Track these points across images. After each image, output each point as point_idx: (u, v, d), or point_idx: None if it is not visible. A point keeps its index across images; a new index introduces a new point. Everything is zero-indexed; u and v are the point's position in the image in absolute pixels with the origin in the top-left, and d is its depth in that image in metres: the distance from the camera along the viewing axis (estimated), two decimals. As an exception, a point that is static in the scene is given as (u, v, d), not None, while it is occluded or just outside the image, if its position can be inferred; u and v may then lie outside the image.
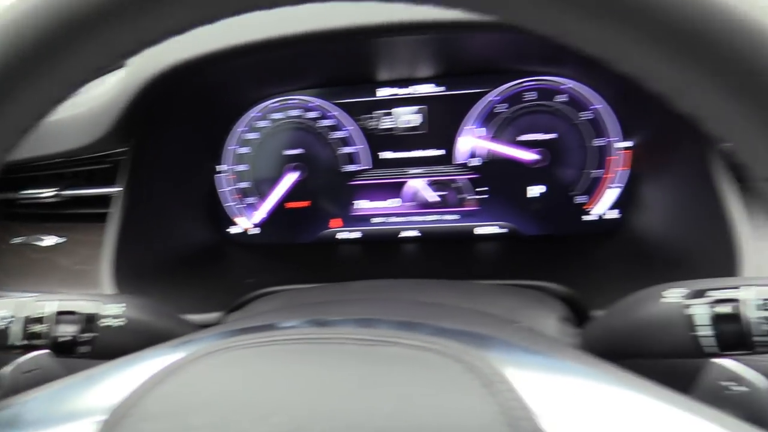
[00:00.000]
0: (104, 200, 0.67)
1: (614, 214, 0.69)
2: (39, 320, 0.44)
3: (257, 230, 0.76)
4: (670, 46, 0.21)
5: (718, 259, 0.52)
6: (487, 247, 0.72)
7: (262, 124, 0.75)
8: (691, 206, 0.61)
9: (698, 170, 0.56)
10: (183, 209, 0.74)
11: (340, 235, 0.75)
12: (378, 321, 0.35)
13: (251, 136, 0.75)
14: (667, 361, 0.41)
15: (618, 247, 0.69)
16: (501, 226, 0.72)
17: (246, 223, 0.77)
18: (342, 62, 0.70)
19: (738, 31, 0.20)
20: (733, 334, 0.37)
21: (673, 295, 0.39)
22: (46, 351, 0.42)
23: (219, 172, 0.76)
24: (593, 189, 0.70)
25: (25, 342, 0.44)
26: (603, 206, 0.70)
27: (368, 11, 0.54)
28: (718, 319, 0.37)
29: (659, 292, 0.40)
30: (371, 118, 0.72)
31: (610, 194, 0.69)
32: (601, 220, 0.70)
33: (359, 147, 0.72)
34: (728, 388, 0.34)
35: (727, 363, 0.35)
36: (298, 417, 0.24)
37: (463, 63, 0.69)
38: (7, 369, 0.38)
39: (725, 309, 0.37)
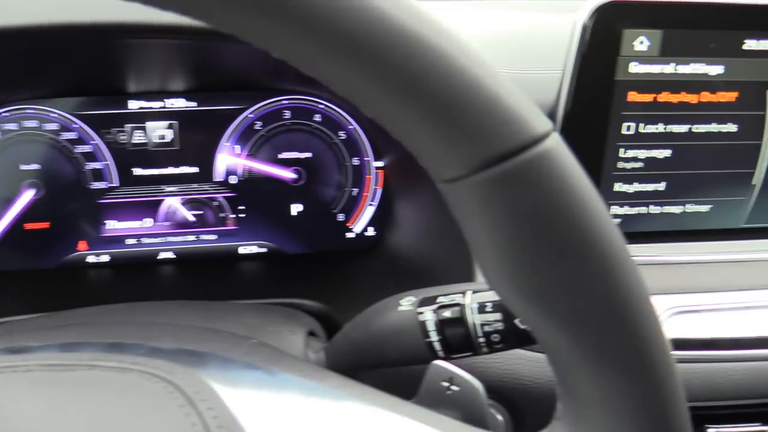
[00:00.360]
0: None
1: (372, 231, 0.72)
2: None
3: (-11, 256, 0.70)
4: (335, 53, 0.22)
5: (459, 269, 0.56)
6: (249, 267, 0.72)
7: (-10, 135, 0.68)
8: (436, 222, 0.66)
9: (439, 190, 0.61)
10: None
11: (89, 259, 0.71)
12: (83, 344, 0.35)
13: None
14: (411, 369, 0.44)
15: (375, 262, 0.73)
16: (261, 245, 0.72)
17: (-26, 247, 0.70)
18: (87, 69, 0.67)
19: (390, 40, 0.22)
20: (458, 338, 0.41)
21: (407, 302, 0.43)
22: None
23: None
24: (353, 207, 0.73)
25: None
26: (362, 224, 0.73)
27: (115, 9, 0.51)
28: (443, 324, 0.41)
29: (396, 301, 0.43)
30: (121, 132, 0.69)
31: (369, 212, 0.72)
32: (360, 237, 0.74)
33: (106, 162, 0.69)
34: (448, 389, 0.38)
35: (443, 364, 0.38)
36: None
37: (217, 78, 0.68)
38: None
39: (448, 314, 0.41)
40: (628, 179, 0.59)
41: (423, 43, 0.22)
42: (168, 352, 0.34)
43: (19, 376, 0.30)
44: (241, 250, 0.77)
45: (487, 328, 0.40)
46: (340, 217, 0.77)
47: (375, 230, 0.77)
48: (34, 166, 0.73)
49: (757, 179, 0.61)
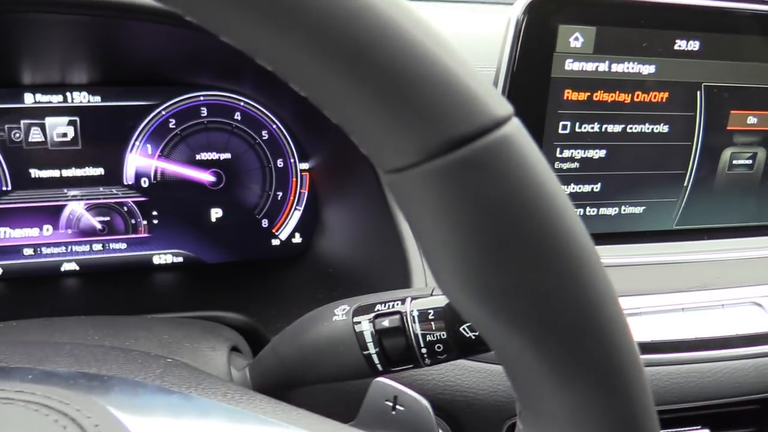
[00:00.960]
0: None
1: (298, 237, 0.71)
2: None
3: None
4: (277, 31, 0.19)
5: (394, 276, 0.56)
6: (163, 279, 0.69)
7: None
8: (368, 228, 0.66)
9: (372, 192, 0.60)
10: None
11: (-24, 272, 0.66)
12: None
13: None
14: (348, 385, 0.42)
15: (303, 271, 0.71)
16: (177, 254, 0.69)
17: None
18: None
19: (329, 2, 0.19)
20: (398, 349, 0.39)
21: (342, 311, 0.41)
22: None
23: None
24: (278, 212, 0.71)
25: None
26: (288, 230, 0.71)
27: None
28: (381, 335, 0.39)
29: (330, 311, 0.41)
30: (16, 129, 0.64)
31: (295, 217, 0.71)
32: (286, 245, 0.72)
33: (-2, 164, 0.64)
34: (393, 408, 0.37)
35: (387, 381, 0.38)
36: None
37: (126, 70, 0.66)
38: None
39: (387, 323, 0.39)
40: (565, 180, 0.61)
41: (368, 7, 0.19)
42: (64, 377, 0.32)
43: None
44: (155, 260, 0.73)
45: (429, 338, 0.39)
46: (264, 222, 0.75)
47: (302, 237, 0.75)
48: None
49: (688, 180, 0.64)
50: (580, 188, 0.62)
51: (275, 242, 0.75)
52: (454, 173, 0.21)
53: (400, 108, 0.20)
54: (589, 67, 0.56)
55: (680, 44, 0.57)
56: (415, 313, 0.39)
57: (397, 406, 0.36)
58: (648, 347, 0.60)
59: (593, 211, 0.64)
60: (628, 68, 0.57)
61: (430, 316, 0.39)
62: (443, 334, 0.38)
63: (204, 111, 0.72)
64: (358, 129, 0.22)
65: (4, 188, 0.69)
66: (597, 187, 0.62)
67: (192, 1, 0.20)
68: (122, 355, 0.39)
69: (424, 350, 0.39)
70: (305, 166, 0.74)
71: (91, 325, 0.50)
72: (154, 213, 0.72)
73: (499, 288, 0.22)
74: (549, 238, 0.22)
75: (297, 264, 0.75)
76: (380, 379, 0.37)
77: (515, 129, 0.21)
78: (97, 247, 0.72)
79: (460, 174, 0.21)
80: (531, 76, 0.55)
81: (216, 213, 0.73)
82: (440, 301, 0.39)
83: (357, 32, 0.19)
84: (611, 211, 0.65)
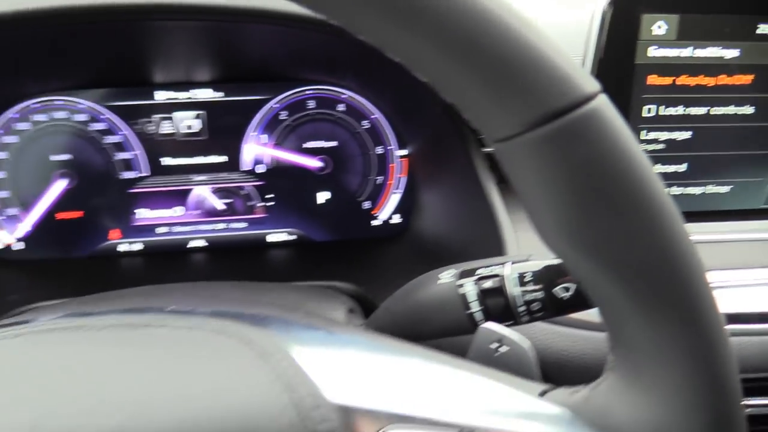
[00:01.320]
0: None
1: (398, 218, 0.80)
2: None
3: (22, 245, 0.78)
4: (396, 17, 0.24)
5: (488, 248, 0.63)
6: (278, 254, 0.80)
7: (21, 126, 0.77)
8: (463, 206, 0.74)
9: (465, 174, 0.68)
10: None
11: (120, 248, 0.79)
12: (149, 309, 0.39)
13: (9, 140, 0.76)
14: (448, 340, 0.48)
15: (403, 248, 0.80)
16: (290, 233, 0.80)
17: (8, 237, 0.77)
18: (112, 59, 0.74)
19: (448, 4, 0.24)
20: (499, 308, 0.43)
21: (447, 276, 0.46)
22: None
23: (-26, 182, 0.76)
24: (378, 195, 0.80)
25: None
26: (387, 211, 0.80)
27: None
28: (484, 295, 0.44)
29: (435, 275, 0.46)
30: (149, 122, 0.76)
31: (394, 199, 0.80)
32: (386, 225, 0.81)
33: (136, 152, 0.76)
34: (496, 350, 0.40)
35: (493, 326, 0.41)
36: (50, 404, 0.27)
37: (242, 68, 0.76)
38: None
39: (489, 284, 0.44)
40: (651, 161, 0.67)
41: (478, 8, 0.24)
42: (232, 315, 0.39)
43: (92, 334, 0.33)
44: (270, 238, 0.84)
45: (527, 298, 0.43)
46: (366, 205, 0.84)
47: (401, 217, 0.84)
48: (65, 157, 0.81)
49: (776, 160, 0.68)
50: (665, 168, 0.67)
51: (376, 222, 0.84)
52: (552, 141, 0.26)
53: (506, 87, 0.25)
54: (673, 53, 0.62)
55: (763, 28, 0.62)
56: (515, 276, 0.43)
57: (501, 348, 0.41)
58: (735, 318, 0.65)
59: (678, 191, 0.69)
60: (711, 53, 0.62)
61: (528, 278, 0.43)
62: (540, 294, 0.42)
63: (311, 103, 0.82)
64: (471, 106, 0.27)
65: (142, 174, 0.81)
66: (683, 168, 0.68)
67: (337, 7, 0.25)
68: (269, 304, 0.48)
69: (522, 309, 0.43)
70: (403, 152, 0.83)
71: (227, 288, 0.60)
72: (269, 196, 0.83)
73: (592, 238, 0.27)
74: (633, 194, 0.27)
75: (397, 242, 0.84)
76: (486, 324, 0.42)
77: (603, 103, 0.27)
78: (220, 226, 0.84)
79: (557, 141, 0.26)
80: (616, 63, 0.61)
81: (323, 196, 0.83)
82: (537, 265, 0.44)
83: (469, 27, 0.24)
84: (697, 190, 0.70)
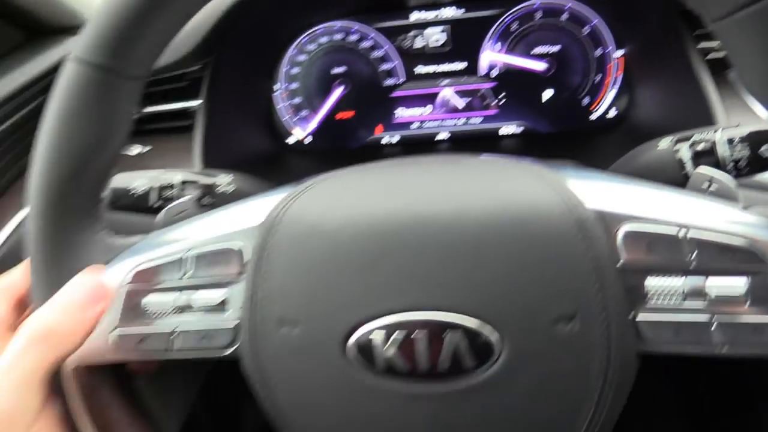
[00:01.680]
0: (181, 114, 0.94)
1: (614, 112, 0.96)
2: (170, 187, 0.59)
3: (310, 138, 1.06)
4: None
5: None
6: (508, 144, 1.01)
7: (310, 47, 1.03)
8: (677, 99, 0.88)
9: (682, 69, 0.83)
10: (248, 122, 1.04)
11: (383, 140, 1.04)
12: (462, 157, 0.49)
13: (301, 58, 1.04)
14: None
15: (618, 139, 0.96)
16: (518, 126, 1.00)
17: (301, 133, 1.06)
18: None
19: None
20: (708, 165, 0.49)
21: (665, 143, 0.53)
22: (191, 197, 0.56)
23: (275, 90, 1.04)
24: (596, 92, 0.97)
25: (160, 203, 0.58)
26: (605, 106, 0.97)
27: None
28: (697, 156, 0.51)
29: (655, 143, 0.54)
30: (405, 39, 1.00)
31: (611, 96, 0.96)
32: (603, 118, 0.98)
33: (395, 63, 1.00)
34: (708, 189, 0.46)
35: (705, 169, 0.47)
36: (417, 199, 0.41)
37: (481, -13, 0.95)
38: (162, 213, 0.52)
39: (702, 147, 0.51)
40: None
41: None
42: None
43: (416, 166, 0.45)
44: (502, 131, 1.05)
45: (735, 156, 0.49)
46: (585, 101, 1.01)
47: (616, 111, 1.00)
48: (342, 69, 1.07)
49: None
50: None
51: (594, 116, 1.01)
52: (758, 18, 0.34)
53: None
54: None
55: None
56: (725, 139, 0.50)
57: (711, 187, 0.46)
58: None
59: None
60: None
61: (736, 141, 0.50)
62: (747, 152, 0.49)
63: (538, 14, 0.99)
64: None
65: (400, 81, 1.06)
66: None
67: None
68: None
69: (730, 166, 0.50)
70: (620, 53, 0.98)
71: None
72: (502, 95, 1.03)
73: None
74: None
75: (612, 133, 0.99)
76: (699, 168, 0.47)
77: None
78: (461, 121, 1.06)
79: (762, 19, 0.34)
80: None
81: (547, 94, 1.01)
82: (745, 130, 0.50)
83: None
84: None
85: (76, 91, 0.45)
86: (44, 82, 0.96)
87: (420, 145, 1.05)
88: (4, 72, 0.92)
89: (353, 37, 1.03)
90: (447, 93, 1.03)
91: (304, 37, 1.05)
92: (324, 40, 1.04)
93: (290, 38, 1.05)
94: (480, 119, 1.03)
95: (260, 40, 1.01)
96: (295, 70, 1.06)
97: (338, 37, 1.04)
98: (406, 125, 1.05)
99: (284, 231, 0.43)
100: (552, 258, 0.40)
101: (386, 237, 0.41)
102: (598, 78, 0.98)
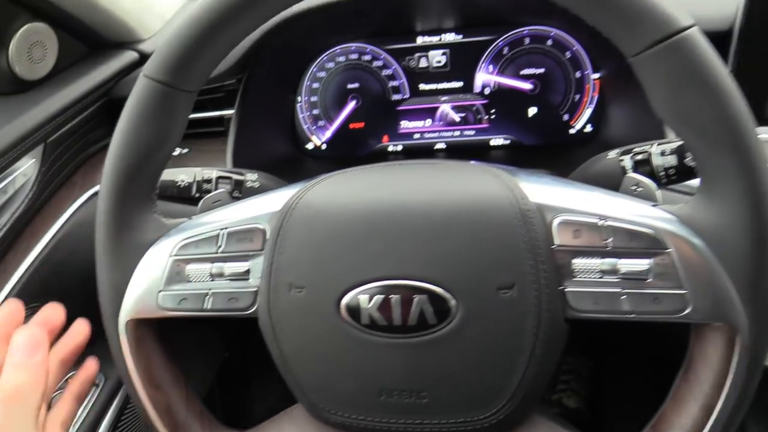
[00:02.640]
0: (217, 121, 1.06)
1: (590, 127, 1.07)
2: (208, 181, 0.69)
3: (326, 146, 1.17)
4: None
5: None
6: (497, 154, 1.11)
7: (329, 65, 1.14)
8: (641, 116, 0.98)
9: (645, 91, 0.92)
10: (273, 130, 1.16)
11: (389, 148, 1.15)
12: (441, 161, 0.58)
13: (321, 74, 1.15)
14: None
15: (593, 150, 1.05)
16: (506, 138, 1.10)
17: (318, 140, 1.17)
18: (388, 18, 1.08)
19: None
20: (646, 174, 0.58)
21: (612, 154, 0.63)
22: (224, 190, 0.66)
23: (297, 102, 1.16)
24: (575, 109, 1.07)
25: (199, 194, 0.67)
26: (582, 122, 1.07)
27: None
28: (637, 165, 0.60)
29: (605, 154, 0.64)
30: (411, 59, 1.11)
31: (587, 113, 1.06)
32: (581, 133, 1.08)
33: (402, 81, 1.11)
34: (635, 190, 0.54)
35: (633, 175, 0.55)
36: (399, 192, 0.50)
37: (477, 17, 1.07)
38: (201, 201, 0.63)
39: (640, 157, 0.60)
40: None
41: None
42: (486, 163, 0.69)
43: (397, 168, 0.53)
44: (492, 142, 1.15)
45: (666, 165, 0.58)
46: (565, 117, 1.11)
47: (592, 126, 1.10)
48: (355, 85, 1.18)
49: None
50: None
51: (572, 131, 1.11)
52: (665, 56, 0.41)
53: (635, 23, 0.41)
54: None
55: None
56: (658, 151, 0.58)
57: (638, 188, 0.55)
58: None
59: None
60: None
61: (667, 152, 0.58)
62: (674, 162, 0.57)
63: (527, 40, 1.09)
64: (607, 29, 0.43)
65: (405, 96, 1.17)
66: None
67: None
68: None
69: (662, 174, 0.58)
70: (596, 76, 1.08)
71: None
72: (493, 111, 1.13)
73: (690, 113, 0.42)
74: (719, 87, 0.41)
75: (587, 146, 1.10)
76: (630, 173, 0.58)
77: (698, 32, 0.41)
78: (456, 133, 1.16)
79: (669, 56, 0.41)
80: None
81: (532, 110, 1.12)
82: (675, 143, 0.58)
83: None
84: None
85: (144, 101, 0.56)
86: (104, 89, 1.08)
87: (421, 154, 1.16)
88: (71, 79, 1.04)
89: (366, 57, 1.14)
90: (446, 108, 1.13)
91: (324, 57, 1.16)
92: (341, 59, 1.15)
93: (312, 57, 1.16)
94: (473, 132, 1.13)
95: (286, 59, 1.12)
96: (316, 85, 1.17)
97: (353, 56, 1.15)
98: (409, 135, 1.16)
99: (296, 215, 0.52)
100: (499, 239, 0.49)
101: (373, 221, 0.50)
102: (577, 97, 1.08)
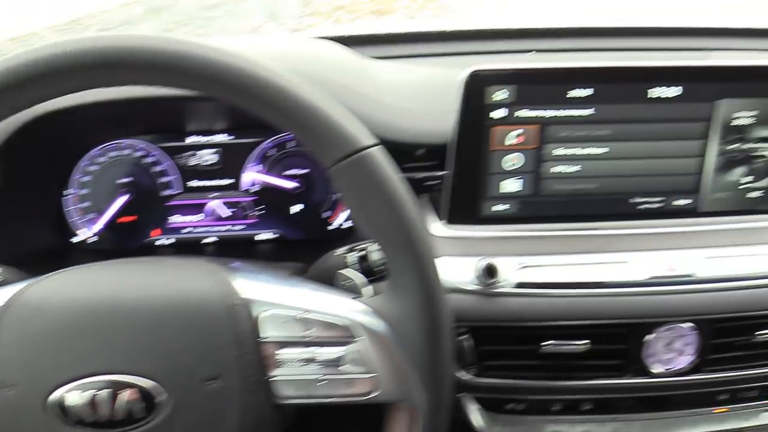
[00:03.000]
0: None
1: (348, 223, 1.15)
2: None
3: (95, 238, 1.15)
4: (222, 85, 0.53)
5: None
6: (264, 248, 1.16)
7: (101, 159, 1.15)
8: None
9: None
10: (36, 221, 1.11)
11: (158, 242, 1.15)
12: (166, 257, 0.72)
13: (92, 168, 1.15)
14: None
15: (347, 243, 1.13)
16: (273, 233, 1.15)
17: (86, 233, 1.15)
18: (161, 118, 1.12)
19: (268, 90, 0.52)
20: (366, 267, 0.69)
21: (340, 251, 0.73)
22: None
23: (66, 195, 1.14)
24: (334, 207, 1.15)
25: None
26: (340, 219, 1.15)
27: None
28: (360, 260, 0.69)
29: (336, 251, 0.73)
30: (182, 157, 1.14)
31: (346, 212, 1.14)
32: (339, 229, 1.15)
33: (173, 177, 1.14)
34: (344, 285, 0.64)
35: (344, 270, 0.65)
36: (117, 289, 0.54)
37: (247, 120, 1.13)
38: None
39: (362, 254, 0.70)
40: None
41: (288, 91, 0.52)
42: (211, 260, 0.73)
43: (122, 264, 0.70)
44: (259, 236, 1.19)
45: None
46: (326, 214, 1.19)
47: (350, 222, 1.19)
48: (127, 179, 1.19)
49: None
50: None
51: (332, 227, 1.19)
52: (349, 170, 0.50)
53: (324, 141, 0.51)
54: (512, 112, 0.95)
55: (573, 93, 0.95)
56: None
57: (347, 282, 0.69)
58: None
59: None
60: (541, 113, 0.95)
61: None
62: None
63: (291, 143, 1.18)
64: (305, 139, 0.53)
65: (176, 192, 1.19)
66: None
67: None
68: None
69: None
70: (351, 177, 1.18)
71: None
72: (260, 207, 1.19)
73: (376, 223, 0.52)
74: (393, 202, 0.51)
75: (344, 240, 1.17)
76: (342, 270, 0.68)
77: (379, 151, 0.51)
78: (226, 227, 1.19)
79: (352, 170, 0.50)
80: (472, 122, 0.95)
81: (296, 207, 1.19)
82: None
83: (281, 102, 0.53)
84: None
85: None
86: None
87: (190, 247, 1.17)
88: None
89: (139, 153, 1.16)
90: (215, 204, 1.17)
91: (96, 151, 1.16)
92: (114, 154, 1.16)
93: (82, 152, 1.16)
94: (243, 226, 1.17)
95: (54, 150, 1.11)
96: (86, 179, 1.16)
97: (126, 152, 1.16)
98: (179, 229, 1.17)
99: (14, 312, 0.53)
100: (206, 333, 0.54)
101: (88, 318, 0.53)
102: (336, 196, 1.16)
